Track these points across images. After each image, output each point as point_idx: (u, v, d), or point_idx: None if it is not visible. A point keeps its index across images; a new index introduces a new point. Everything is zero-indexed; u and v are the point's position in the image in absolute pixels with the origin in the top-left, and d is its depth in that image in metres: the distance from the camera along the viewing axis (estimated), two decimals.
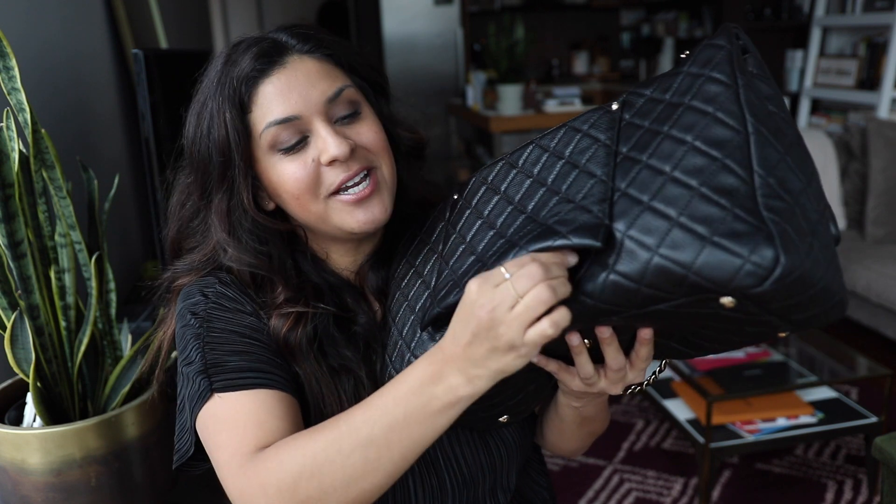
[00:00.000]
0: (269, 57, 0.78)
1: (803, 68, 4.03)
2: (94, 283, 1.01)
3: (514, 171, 0.73)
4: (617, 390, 0.72)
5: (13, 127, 0.93)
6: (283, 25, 0.83)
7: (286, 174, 0.78)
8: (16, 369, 0.93)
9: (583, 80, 6.15)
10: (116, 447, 0.99)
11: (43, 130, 0.98)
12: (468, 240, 0.72)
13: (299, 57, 0.79)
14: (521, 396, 0.79)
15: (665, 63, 5.70)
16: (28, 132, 0.95)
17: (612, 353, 0.68)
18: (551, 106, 4.19)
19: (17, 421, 1.02)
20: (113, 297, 1.09)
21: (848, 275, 2.97)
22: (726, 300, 0.55)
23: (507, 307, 0.58)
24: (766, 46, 4.25)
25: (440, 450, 0.85)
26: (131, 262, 2.12)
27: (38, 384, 0.96)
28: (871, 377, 2.08)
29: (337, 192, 0.78)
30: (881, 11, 3.55)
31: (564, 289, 0.58)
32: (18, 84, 0.95)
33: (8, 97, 0.96)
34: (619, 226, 0.59)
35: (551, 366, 0.72)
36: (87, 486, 0.98)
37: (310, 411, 0.80)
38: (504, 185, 0.73)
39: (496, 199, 0.73)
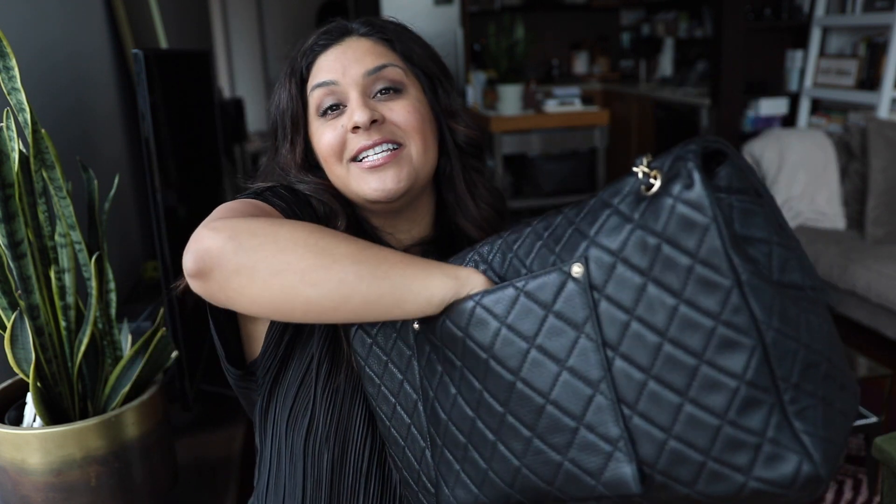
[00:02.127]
0: (330, 35, 0.87)
1: (803, 68, 4.03)
2: (94, 283, 1.01)
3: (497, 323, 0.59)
4: None
5: (13, 127, 0.93)
6: (363, 18, 0.90)
7: (323, 138, 0.85)
8: (16, 369, 0.93)
9: (583, 80, 6.15)
10: (116, 447, 0.99)
11: (43, 130, 0.98)
12: (475, 411, 0.62)
13: (356, 38, 0.87)
14: None
15: (665, 63, 5.70)
16: (28, 132, 0.95)
17: None
18: (551, 106, 4.19)
19: (17, 421, 1.02)
20: (113, 297, 1.09)
21: (848, 275, 2.97)
22: None
23: None
24: (766, 46, 4.26)
25: None
26: (131, 262, 2.12)
27: (38, 384, 0.96)
28: (871, 377, 2.08)
29: (356, 158, 0.83)
30: (881, 11, 3.55)
31: None
32: (18, 84, 0.95)
33: (8, 97, 0.96)
34: (644, 455, 0.53)
35: None
36: (87, 486, 0.98)
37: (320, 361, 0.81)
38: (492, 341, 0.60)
39: (484, 357, 0.61)
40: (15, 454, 0.96)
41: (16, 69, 0.94)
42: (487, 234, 0.87)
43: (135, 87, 1.60)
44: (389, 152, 0.82)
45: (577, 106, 4.21)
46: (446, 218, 0.92)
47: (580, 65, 6.49)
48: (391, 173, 0.82)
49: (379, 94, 0.84)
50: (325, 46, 0.86)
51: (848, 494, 2.08)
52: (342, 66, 0.84)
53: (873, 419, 2.03)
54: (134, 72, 1.30)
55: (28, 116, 0.95)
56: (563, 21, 6.49)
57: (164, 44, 2.62)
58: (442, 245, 0.90)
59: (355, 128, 0.81)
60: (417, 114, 0.84)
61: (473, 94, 4.48)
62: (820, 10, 3.89)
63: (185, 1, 3.71)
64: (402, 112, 0.83)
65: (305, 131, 0.87)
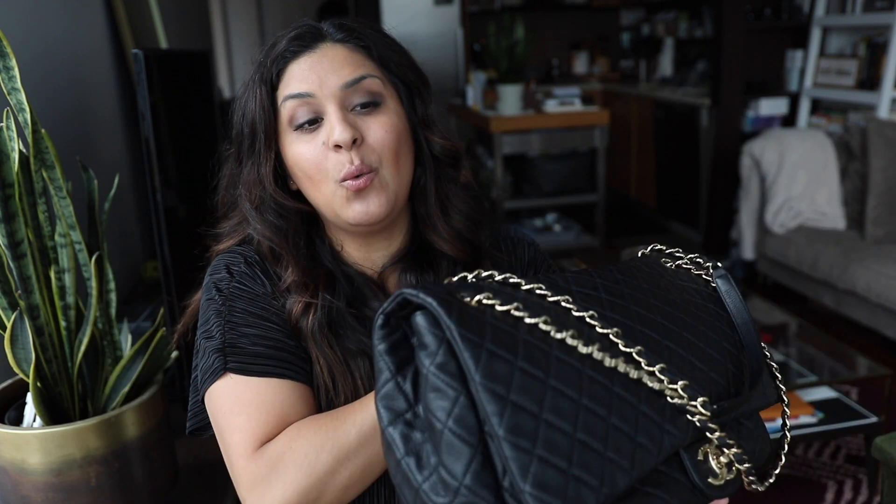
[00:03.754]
0: (303, 41, 0.82)
1: (803, 68, 4.03)
2: (94, 283, 1.01)
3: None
4: None
5: (13, 127, 0.93)
6: (335, 19, 0.86)
7: (300, 153, 0.81)
8: (16, 369, 0.93)
9: (583, 80, 6.15)
10: (116, 447, 0.99)
11: (43, 130, 0.98)
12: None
13: (332, 44, 0.82)
14: None
15: (665, 63, 5.69)
16: (28, 132, 0.95)
17: None
18: (551, 106, 4.19)
19: (17, 421, 1.02)
20: (113, 297, 1.09)
21: (848, 275, 2.97)
22: None
23: None
24: (766, 46, 4.26)
25: None
26: (131, 262, 2.12)
27: (38, 384, 0.96)
28: (871, 377, 2.08)
29: (344, 179, 0.80)
30: (881, 11, 3.55)
31: None
32: (18, 84, 0.95)
33: (8, 97, 0.96)
34: None
35: None
36: (87, 486, 0.98)
37: (320, 392, 0.82)
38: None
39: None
40: (15, 454, 0.96)
41: (16, 69, 0.94)
42: (456, 247, 0.87)
43: (135, 87, 1.60)
44: (367, 175, 0.79)
45: (577, 106, 4.21)
46: (420, 229, 0.90)
47: (580, 65, 6.48)
48: (373, 197, 0.80)
49: (358, 108, 0.80)
50: (296, 53, 0.81)
51: (848, 494, 2.08)
52: (318, 77, 0.79)
53: (873, 419, 2.03)
54: (134, 72, 1.30)
55: (28, 116, 0.95)
56: (563, 21, 6.48)
57: (164, 44, 2.62)
58: (417, 258, 0.88)
59: (336, 146, 0.79)
60: (394, 132, 0.81)
61: (473, 94, 4.47)
62: (820, 10, 3.89)
63: (185, 1, 3.71)
64: (380, 131, 0.80)
65: (277, 144, 0.83)
